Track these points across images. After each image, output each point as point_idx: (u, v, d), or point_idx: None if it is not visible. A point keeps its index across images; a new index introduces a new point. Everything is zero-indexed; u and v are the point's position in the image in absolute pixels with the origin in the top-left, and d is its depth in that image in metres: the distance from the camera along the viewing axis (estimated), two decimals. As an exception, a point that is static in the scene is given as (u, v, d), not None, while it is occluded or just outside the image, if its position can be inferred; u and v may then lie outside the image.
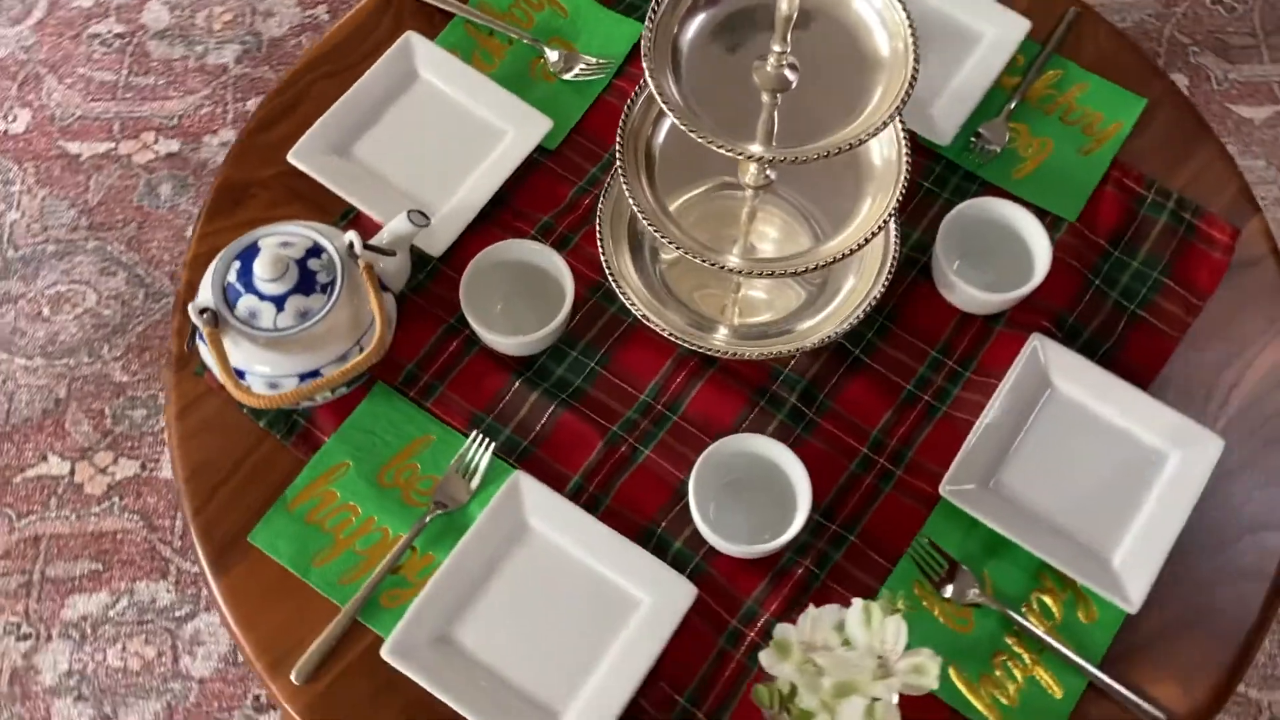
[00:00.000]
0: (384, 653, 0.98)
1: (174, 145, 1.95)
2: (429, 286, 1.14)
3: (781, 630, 0.88)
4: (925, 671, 0.84)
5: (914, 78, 0.87)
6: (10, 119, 1.98)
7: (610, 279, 1.06)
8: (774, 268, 0.98)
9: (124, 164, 1.93)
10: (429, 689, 0.97)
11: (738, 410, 1.09)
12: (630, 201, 0.97)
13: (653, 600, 1.01)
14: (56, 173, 1.93)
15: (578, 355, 1.12)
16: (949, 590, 1.02)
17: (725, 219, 1.09)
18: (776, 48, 0.87)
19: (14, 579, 1.64)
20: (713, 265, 0.96)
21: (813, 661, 0.85)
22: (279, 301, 1.01)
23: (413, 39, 1.23)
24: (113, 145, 1.95)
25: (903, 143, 0.99)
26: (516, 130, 1.19)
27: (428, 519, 1.04)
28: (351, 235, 1.03)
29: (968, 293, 1.09)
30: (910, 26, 0.88)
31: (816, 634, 0.87)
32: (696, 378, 1.11)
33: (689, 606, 1.00)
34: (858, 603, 0.87)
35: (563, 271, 1.09)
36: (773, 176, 1.01)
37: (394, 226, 1.06)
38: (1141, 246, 1.17)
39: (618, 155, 1.00)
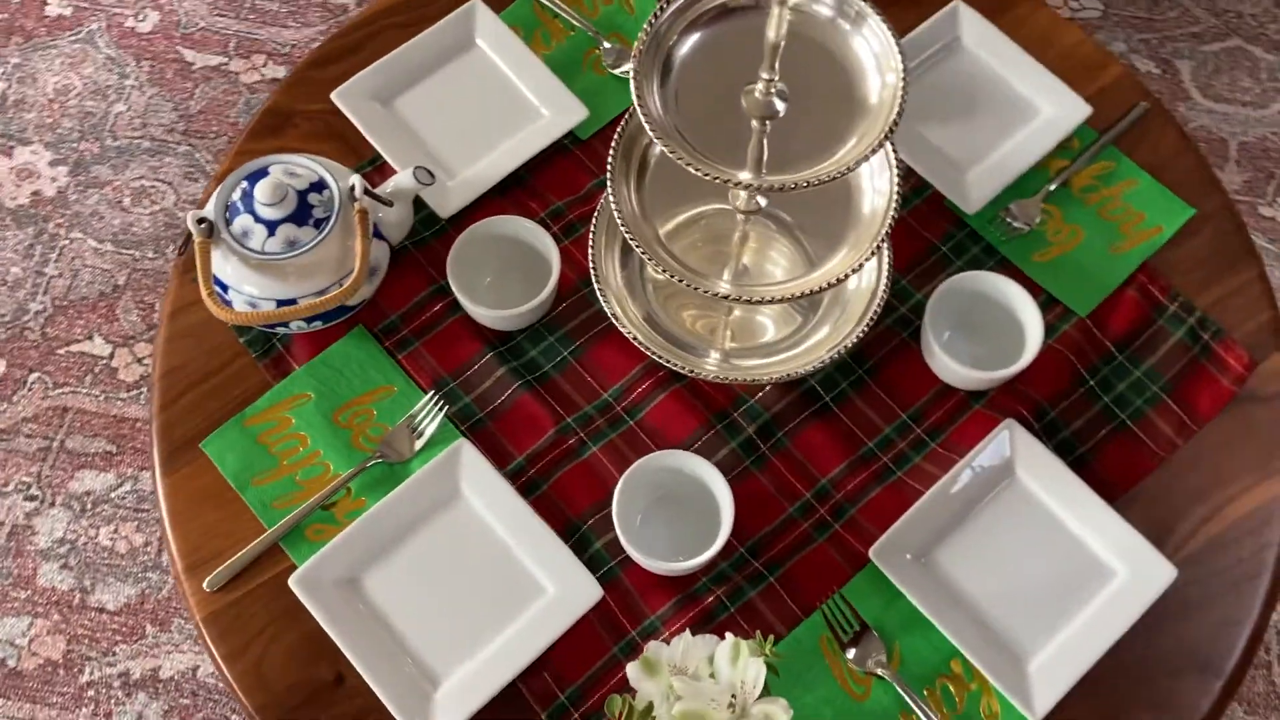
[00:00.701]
0: (291, 580, 1.01)
1: (280, 71, 2.02)
2: (431, 244, 1.17)
3: (654, 649, 0.88)
4: (774, 718, 0.83)
5: (895, 123, 0.85)
6: (140, 18, 2.08)
7: (593, 276, 1.07)
8: (754, 294, 0.96)
9: (231, 80, 2.02)
10: (323, 625, 1.00)
11: (693, 429, 1.09)
12: (615, 212, 0.97)
13: (557, 592, 1.02)
14: (168, 76, 2.02)
15: (554, 341, 1.13)
16: (852, 653, 1.00)
17: (722, 240, 1.08)
18: (765, 75, 0.86)
19: (36, 442, 1.72)
20: (696, 289, 0.96)
21: (673, 685, 0.85)
22: (271, 226, 1.04)
23: (477, 7, 1.26)
24: (225, 60, 2.04)
25: (894, 192, 0.97)
26: (553, 114, 1.21)
27: (369, 464, 1.07)
28: (356, 179, 1.07)
29: (947, 364, 1.07)
30: (904, 74, 0.87)
31: (688, 659, 0.87)
32: (661, 389, 1.11)
33: (591, 607, 1.00)
34: (730, 638, 0.87)
35: (552, 254, 1.10)
36: (763, 203, 1.00)
37: (399, 179, 1.09)
38: (1148, 358, 1.13)
39: (609, 165, 1.00)
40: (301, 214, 1.05)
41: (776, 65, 0.86)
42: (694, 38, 0.90)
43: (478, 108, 1.23)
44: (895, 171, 0.98)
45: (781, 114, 0.88)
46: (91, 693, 1.56)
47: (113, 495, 1.69)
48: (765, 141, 0.91)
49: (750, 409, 1.10)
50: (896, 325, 1.14)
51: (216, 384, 1.11)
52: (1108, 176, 1.21)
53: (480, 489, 1.05)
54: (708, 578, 1.03)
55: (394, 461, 1.07)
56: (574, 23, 1.28)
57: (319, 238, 1.05)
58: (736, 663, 0.86)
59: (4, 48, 2.00)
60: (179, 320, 1.14)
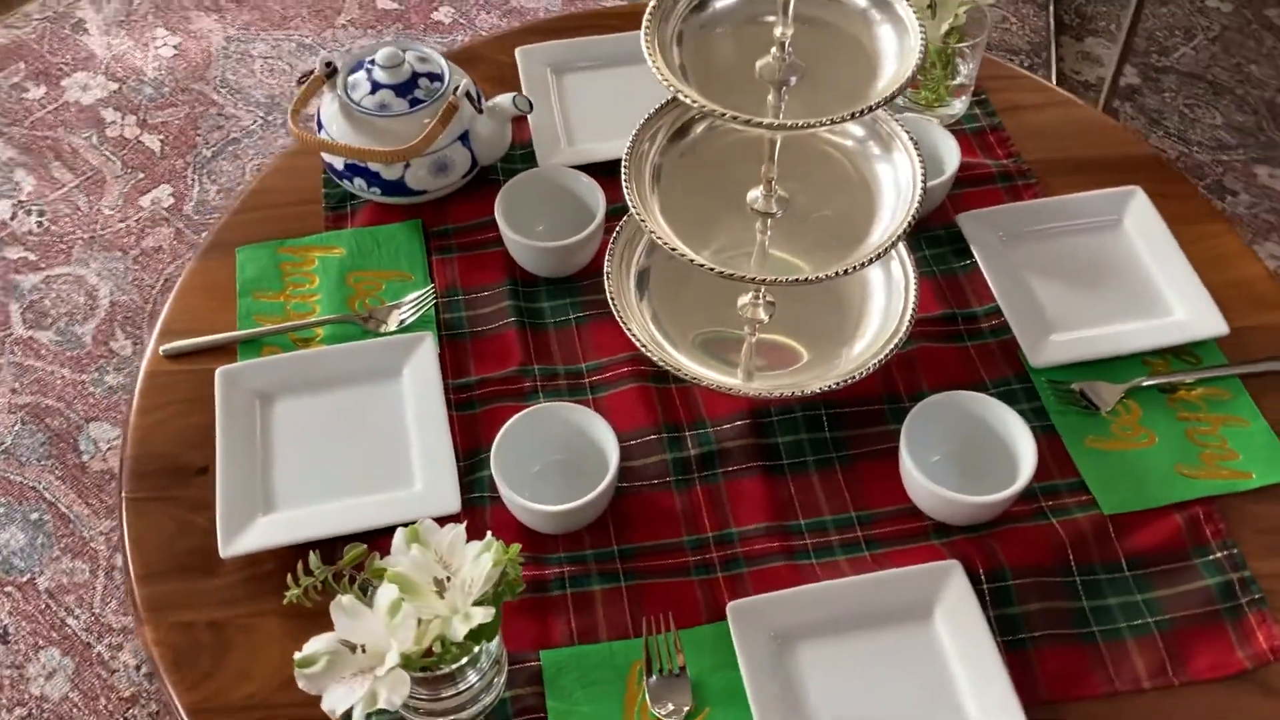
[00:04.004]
0: (219, 370, 1.05)
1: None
2: (518, 186, 1.22)
3: (429, 525, 0.82)
4: (469, 619, 0.75)
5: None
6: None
7: (608, 257, 1.06)
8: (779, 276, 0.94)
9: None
10: (218, 417, 1.03)
11: (640, 425, 1.04)
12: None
13: (421, 489, 0.99)
14: None
15: (569, 302, 1.13)
16: (653, 687, 0.89)
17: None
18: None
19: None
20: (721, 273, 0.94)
21: (411, 553, 0.79)
22: (376, 87, 1.14)
23: (679, 32, 1.33)
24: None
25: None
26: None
27: (350, 319, 1.11)
28: (466, 80, 1.15)
29: (912, 472, 0.95)
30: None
31: (454, 551, 0.81)
32: (634, 380, 1.07)
33: (443, 515, 0.96)
34: (489, 536, 0.80)
35: (599, 205, 1.12)
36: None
37: (500, 99, 1.15)
38: (1159, 588, 0.95)
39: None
40: (406, 88, 1.14)
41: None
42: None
43: (631, 107, 1.27)
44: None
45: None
46: None
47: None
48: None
49: (703, 435, 1.04)
50: (898, 434, 1.04)
51: (285, 214, 1.21)
52: (1216, 404, 1.05)
53: (417, 379, 1.06)
54: (566, 553, 0.96)
55: (368, 329, 1.10)
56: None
57: (407, 110, 1.13)
58: (478, 559, 0.79)
59: (388, 27, 2.33)
60: (289, 159, 1.26)
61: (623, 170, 0.96)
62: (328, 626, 0.86)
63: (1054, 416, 1.04)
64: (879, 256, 0.90)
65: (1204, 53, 2.27)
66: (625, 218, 1.07)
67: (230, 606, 0.95)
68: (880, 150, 0.97)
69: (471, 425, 1.04)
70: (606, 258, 1.05)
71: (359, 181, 1.16)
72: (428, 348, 1.07)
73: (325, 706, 0.75)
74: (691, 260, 0.90)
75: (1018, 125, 1.28)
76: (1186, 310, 1.10)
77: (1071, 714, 0.89)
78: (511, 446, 0.97)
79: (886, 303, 1.04)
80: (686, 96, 0.84)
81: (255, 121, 2.15)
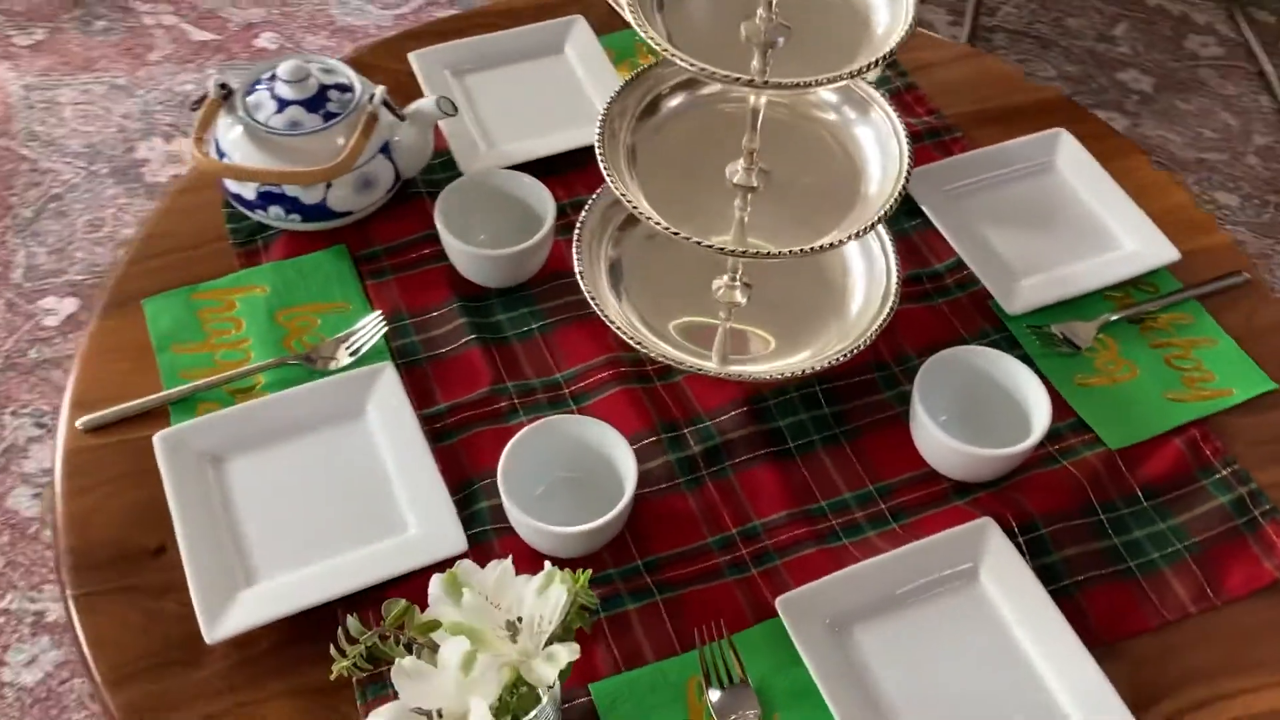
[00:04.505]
0: (156, 436, 0.93)
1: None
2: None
3: (467, 567, 0.74)
4: (555, 660, 0.68)
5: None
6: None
7: (576, 253, 1.00)
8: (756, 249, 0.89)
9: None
10: (166, 485, 0.91)
11: (636, 430, 0.97)
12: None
13: (419, 533, 0.90)
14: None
15: (526, 312, 1.06)
16: (717, 702, 0.83)
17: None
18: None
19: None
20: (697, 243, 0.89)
21: (464, 598, 0.71)
22: (282, 104, 1.04)
23: (578, 21, 1.27)
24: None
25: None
26: (611, 121, 1.19)
27: (289, 360, 1.00)
28: (380, 89, 1.06)
29: (932, 432, 0.93)
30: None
31: (501, 591, 0.73)
32: (618, 383, 1.00)
33: (450, 556, 0.88)
34: (547, 567, 0.72)
35: (547, 205, 1.05)
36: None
37: (421, 103, 1.07)
38: (1179, 514, 0.95)
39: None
40: (315, 102, 1.04)
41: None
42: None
43: (544, 102, 1.21)
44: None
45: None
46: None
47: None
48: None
49: (704, 429, 0.98)
50: (894, 400, 1.01)
51: (189, 258, 1.08)
52: (1182, 328, 1.07)
53: (385, 414, 0.96)
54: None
55: (316, 368, 1.00)
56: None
57: (322, 126, 1.03)
58: (544, 593, 0.71)
59: (207, 60, 2.17)
60: (181, 198, 1.13)
61: (599, 153, 0.90)
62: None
63: (1039, 361, 1.04)
64: (882, 219, 0.87)
65: (1024, 10, 2.36)
66: (585, 210, 1.01)
67: (225, 696, 0.83)
68: (857, 114, 0.94)
69: (453, 456, 0.96)
70: (575, 253, 0.99)
71: (275, 210, 1.05)
72: (390, 378, 0.98)
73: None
74: (699, 243, 0.85)
75: (930, 82, 1.28)
76: (1136, 242, 1.12)
77: (1129, 651, 0.88)
78: (515, 469, 0.89)
79: (868, 268, 1.01)
80: (683, 61, 0.78)
81: (78, 174, 1.96)
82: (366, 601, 0.86)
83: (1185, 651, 0.88)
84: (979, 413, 0.98)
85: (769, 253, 0.87)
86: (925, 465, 0.97)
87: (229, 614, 0.85)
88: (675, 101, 0.95)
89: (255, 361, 1.00)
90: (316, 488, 0.93)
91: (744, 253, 0.86)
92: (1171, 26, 2.31)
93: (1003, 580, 0.89)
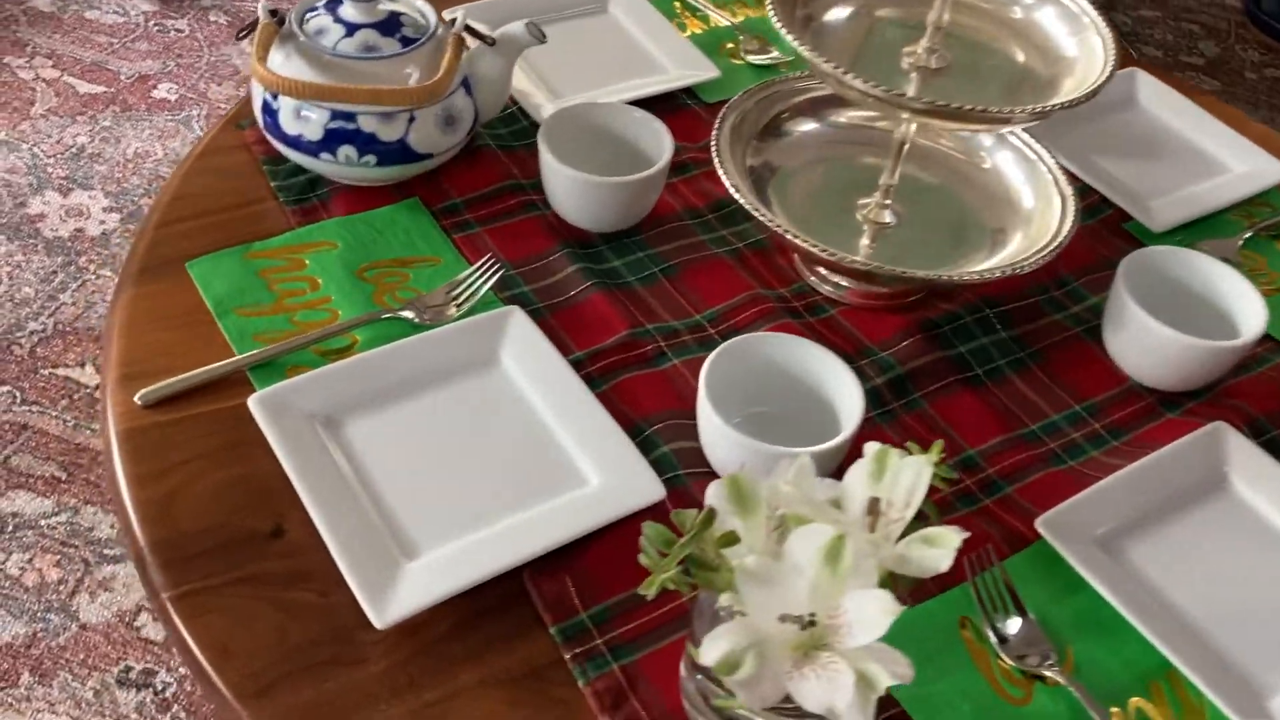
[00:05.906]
0: (252, 400, 0.74)
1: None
2: (517, 151, 0.99)
3: (751, 472, 0.59)
4: (939, 542, 0.53)
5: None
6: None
7: (714, 151, 0.88)
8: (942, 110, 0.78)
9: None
10: (281, 457, 0.71)
11: (806, 365, 0.84)
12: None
13: (604, 484, 0.74)
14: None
15: (642, 256, 0.92)
16: (1009, 642, 0.69)
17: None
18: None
19: (-22, 454, 1.46)
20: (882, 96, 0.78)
21: (781, 490, 0.56)
22: (351, 28, 0.88)
23: (621, -19, 1.17)
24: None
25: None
26: (679, 69, 1.09)
27: (384, 315, 0.83)
28: (461, 11, 0.92)
29: (1145, 325, 0.83)
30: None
31: (798, 489, 0.58)
32: (767, 319, 0.87)
33: (646, 506, 0.72)
34: (874, 446, 0.58)
35: (663, 136, 0.92)
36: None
37: (509, 27, 0.93)
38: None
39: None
40: (389, 25, 0.89)
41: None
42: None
43: (598, 61, 1.10)
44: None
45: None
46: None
47: (42, 523, 1.39)
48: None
49: (881, 360, 0.86)
50: (1069, 321, 0.92)
51: (231, 218, 0.90)
52: (1313, 241, 1.03)
53: (525, 360, 0.80)
54: (809, 520, 0.74)
55: (423, 321, 0.83)
56: (710, 16, 1.18)
57: (401, 50, 0.88)
58: (881, 479, 0.57)
59: (100, 111, 1.95)
60: (209, 158, 0.95)
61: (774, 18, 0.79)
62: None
63: (1194, 278, 0.97)
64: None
65: None
66: (724, 108, 0.90)
67: (407, 695, 0.64)
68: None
69: (608, 403, 0.80)
70: (714, 152, 0.87)
71: (345, 152, 0.88)
72: (521, 321, 0.82)
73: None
74: (886, 92, 0.75)
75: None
76: (1244, 164, 1.08)
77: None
78: (714, 397, 0.74)
79: (1034, 182, 0.93)
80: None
81: (-35, 233, 1.70)
82: (550, 567, 0.69)
83: None
84: (1176, 319, 0.89)
85: (962, 108, 0.77)
86: (1124, 381, 0.87)
87: (397, 592, 0.66)
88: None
89: (344, 317, 0.83)
90: (458, 445, 0.75)
91: (931, 106, 0.75)
92: None
93: (1254, 481, 0.80)
